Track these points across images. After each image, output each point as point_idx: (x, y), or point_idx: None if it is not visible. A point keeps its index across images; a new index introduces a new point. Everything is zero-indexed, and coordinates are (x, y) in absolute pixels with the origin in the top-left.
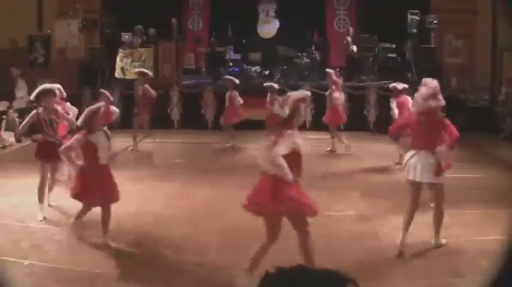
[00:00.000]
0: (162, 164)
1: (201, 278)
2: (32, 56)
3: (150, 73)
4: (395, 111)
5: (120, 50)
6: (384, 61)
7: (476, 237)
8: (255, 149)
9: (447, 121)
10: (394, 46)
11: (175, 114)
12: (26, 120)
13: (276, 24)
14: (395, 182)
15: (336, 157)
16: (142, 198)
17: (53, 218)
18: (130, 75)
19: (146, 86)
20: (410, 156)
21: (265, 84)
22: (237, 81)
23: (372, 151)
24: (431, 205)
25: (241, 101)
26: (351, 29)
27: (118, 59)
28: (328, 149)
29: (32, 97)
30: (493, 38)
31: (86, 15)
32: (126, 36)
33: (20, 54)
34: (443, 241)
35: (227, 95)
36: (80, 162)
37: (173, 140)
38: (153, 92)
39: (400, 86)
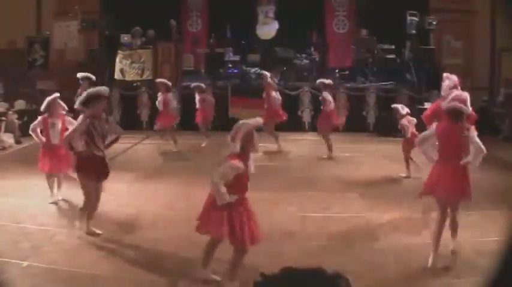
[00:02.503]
0: (160, 165)
1: (198, 279)
2: (31, 57)
3: (93, 77)
4: (332, 103)
5: (119, 51)
6: (383, 62)
7: (475, 238)
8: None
9: None
10: (393, 47)
11: None
12: (74, 128)
13: (275, 25)
14: (394, 183)
15: (335, 158)
16: (141, 199)
17: (52, 219)
18: (129, 77)
19: None
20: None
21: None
22: (204, 86)
23: (371, 152)
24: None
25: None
26: (364, 31)
27: (117, 60)
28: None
29: (78, 104)
30: (491, 38)
31: (85, 16)
32: (125, 38)
33: (19, 56)
34: None
35: (197, 98)
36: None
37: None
38: None
39: (327, 81)
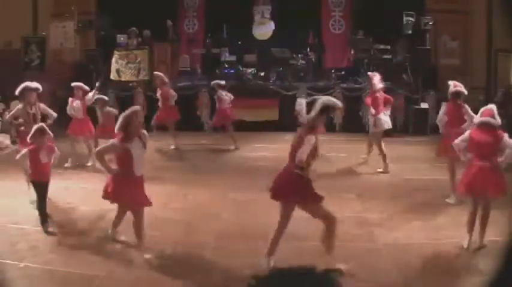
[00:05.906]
0: (156, 166)
1: (196, 279)
2: (28, 58)
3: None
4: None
5: (115, 51)
6: (379, 63)
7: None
8: (249, 150)
9: (386, 95)
10: (389, 47)
11: None
12: (305, 148)
13: (271, 25)
14: (392, 183)
15: (331, 158)
16: None
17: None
18: (125, 77)
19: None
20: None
21: None
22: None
23: None
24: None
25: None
26: (360, 31)
27: (113, 60)
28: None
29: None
30: (488, 39)
31: (81, 17)
32: (122, 38)
33: (15, 56)
34: None
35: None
36: None
37: (168, 141)
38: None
39: (222, 82)
